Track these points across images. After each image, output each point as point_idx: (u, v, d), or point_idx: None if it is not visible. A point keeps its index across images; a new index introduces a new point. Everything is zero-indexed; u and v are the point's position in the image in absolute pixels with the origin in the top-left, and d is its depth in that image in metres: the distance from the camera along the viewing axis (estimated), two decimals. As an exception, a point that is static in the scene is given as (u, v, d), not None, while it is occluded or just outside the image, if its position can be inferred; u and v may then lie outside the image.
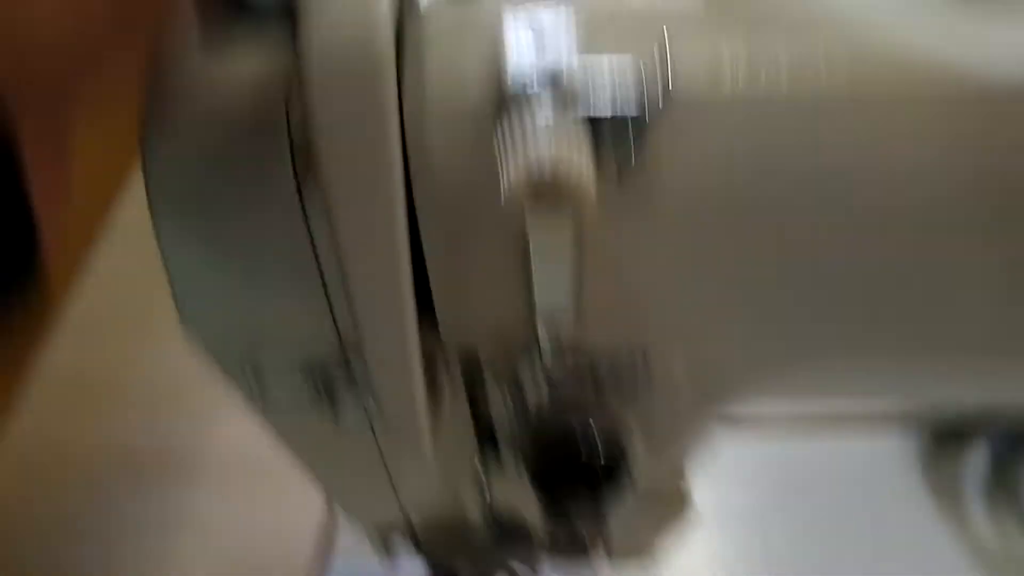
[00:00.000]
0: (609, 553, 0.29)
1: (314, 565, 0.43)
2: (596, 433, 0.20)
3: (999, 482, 0.43)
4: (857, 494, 0.44)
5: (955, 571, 0.40)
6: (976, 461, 0.44)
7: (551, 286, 0.17)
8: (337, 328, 0.18)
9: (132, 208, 0.60)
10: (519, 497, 0.24)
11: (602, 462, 0.20)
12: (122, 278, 0.61)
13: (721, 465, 0.44)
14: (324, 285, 0.18)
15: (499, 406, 0.20)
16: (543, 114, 0.15)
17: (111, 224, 0.60)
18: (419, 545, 0.27)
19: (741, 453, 0.47)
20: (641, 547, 0.28)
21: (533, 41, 0.16)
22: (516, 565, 0.26)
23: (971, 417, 0.44)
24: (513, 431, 0.21)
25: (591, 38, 0.16)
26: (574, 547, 0.20)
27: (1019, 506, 0.42)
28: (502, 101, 0.15)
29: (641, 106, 0.15)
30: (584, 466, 0.20)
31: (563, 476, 0.20)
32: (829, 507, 0.44)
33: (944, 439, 0.46)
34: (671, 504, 0.25)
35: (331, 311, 0.18)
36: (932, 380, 0.21)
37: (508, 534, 0.26)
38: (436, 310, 0.18)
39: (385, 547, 0.29)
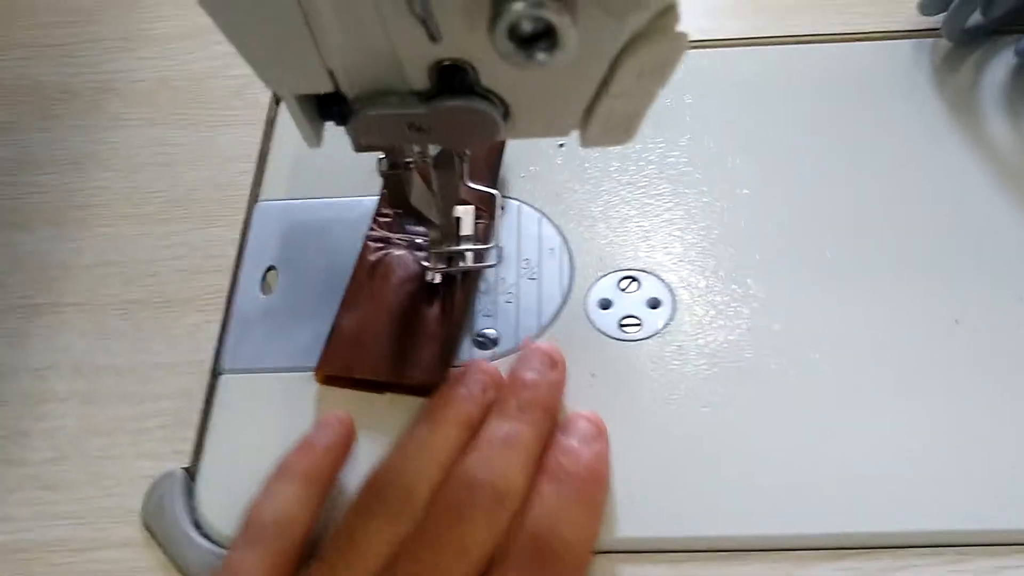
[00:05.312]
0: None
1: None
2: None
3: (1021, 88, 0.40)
4: (866, 97, 0.41)
5: (967, 178, 0.38)
6: (997, 66, 0.41)
7: None
8: None
9: None
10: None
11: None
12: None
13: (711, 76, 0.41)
14: None
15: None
16: None
17: None
18: (347, 113, 0.25)
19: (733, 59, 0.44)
20: (632, 112, 0.25)
21: None
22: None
23: (995, 20, 0.40)
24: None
25: None
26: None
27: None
28: None
29: None
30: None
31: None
32: (835, 108, 0.41)
33: (964, 43, 0.42)
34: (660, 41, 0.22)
35: None
36: None
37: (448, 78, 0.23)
38: None
39: (313, 130, 0.26)
